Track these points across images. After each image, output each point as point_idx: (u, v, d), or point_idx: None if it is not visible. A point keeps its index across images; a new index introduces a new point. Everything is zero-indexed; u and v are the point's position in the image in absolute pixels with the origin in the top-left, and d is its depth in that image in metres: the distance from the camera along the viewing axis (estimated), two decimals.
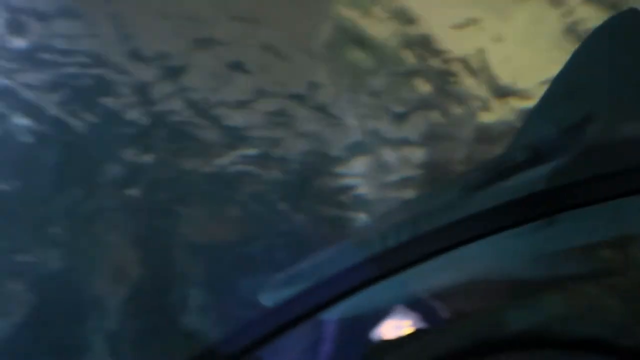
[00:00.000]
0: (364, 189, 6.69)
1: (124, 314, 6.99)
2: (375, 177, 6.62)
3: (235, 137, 7.01)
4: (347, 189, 6.77)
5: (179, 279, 7.21)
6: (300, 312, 1.60)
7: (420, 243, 1.80)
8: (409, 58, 6.29)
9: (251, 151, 6.90)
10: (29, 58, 6.53)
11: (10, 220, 6.89)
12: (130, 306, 7.01)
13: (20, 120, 6.66)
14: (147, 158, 7.13)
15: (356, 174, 6.77)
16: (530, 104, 5.53)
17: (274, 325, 1.54)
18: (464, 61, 6.15)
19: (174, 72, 6.38)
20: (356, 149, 6.53)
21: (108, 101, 6.79)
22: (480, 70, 6.16)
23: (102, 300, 7.04)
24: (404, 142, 6.38)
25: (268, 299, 4.10)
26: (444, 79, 6.29)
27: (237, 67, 6.21)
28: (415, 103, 6.38)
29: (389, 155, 6.49)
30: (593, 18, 5.60)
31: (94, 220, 7.20)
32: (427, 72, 6.34)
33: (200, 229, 7.22)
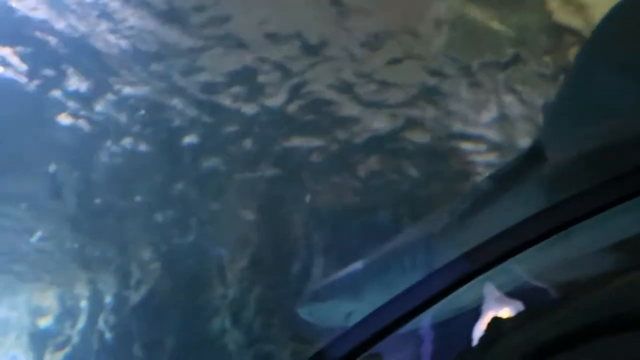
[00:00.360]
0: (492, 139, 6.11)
1: (247, 281, 6.99)
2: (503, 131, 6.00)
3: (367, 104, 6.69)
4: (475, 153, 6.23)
5: (302, 247, 7.08)
6: (402, 313, 1.59)
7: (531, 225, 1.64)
8: None
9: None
10: None
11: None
12: (252, 274, 7.00)
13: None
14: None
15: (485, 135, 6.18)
16: None
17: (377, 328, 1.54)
18: None
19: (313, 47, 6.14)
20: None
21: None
22: None
23: (226, 268, 7.10)
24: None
25: (305, 312, 3.98)
26: None
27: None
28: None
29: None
30: None
31: (218, 188, 7.28)
32: None
33: (325, 195, 7.03)
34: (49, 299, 7.85)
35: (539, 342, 1.58)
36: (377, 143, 6.53)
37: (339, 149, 6.71)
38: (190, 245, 7.31)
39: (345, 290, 3.86)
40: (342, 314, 3.83)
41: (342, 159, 6.94)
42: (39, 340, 7.87)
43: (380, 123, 6.38)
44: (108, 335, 7.29)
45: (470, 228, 3.20)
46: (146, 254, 7.40)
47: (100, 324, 7.42)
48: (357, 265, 3.99)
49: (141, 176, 7.24)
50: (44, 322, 7.92)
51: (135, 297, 7.26)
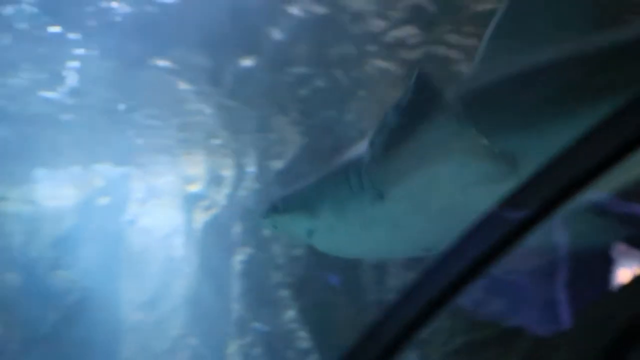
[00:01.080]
0: None
1: None
2: None
3: None
4: None
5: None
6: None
7: None
8: None
9: None
10: None
11: None
12: None
13: None
14: None
15: None
16: None
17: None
18: None
19: None
20: None
21: None
22: None
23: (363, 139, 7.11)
24: None
25: (268, 223, 3.64)
26: None
27: None
28: None
29: None
30: None
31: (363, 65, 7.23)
32: None
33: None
34: (200, 169, 8.42)
35: None
36: None
37: None
38: (332, 118, 7.38)
39: (300, 206, 3.47)
40: (303, 230, 3.50)
41: None
42: (190, 202, 8.52)
43: None
44: (250, 200, 7.70)
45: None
46: (290, 126, 7.59)
47: (243, 190, 7.84)
48: (312, 178, 3.55)
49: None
50: (194, 188, 8.54)
51: (275, 166, 7.53)
